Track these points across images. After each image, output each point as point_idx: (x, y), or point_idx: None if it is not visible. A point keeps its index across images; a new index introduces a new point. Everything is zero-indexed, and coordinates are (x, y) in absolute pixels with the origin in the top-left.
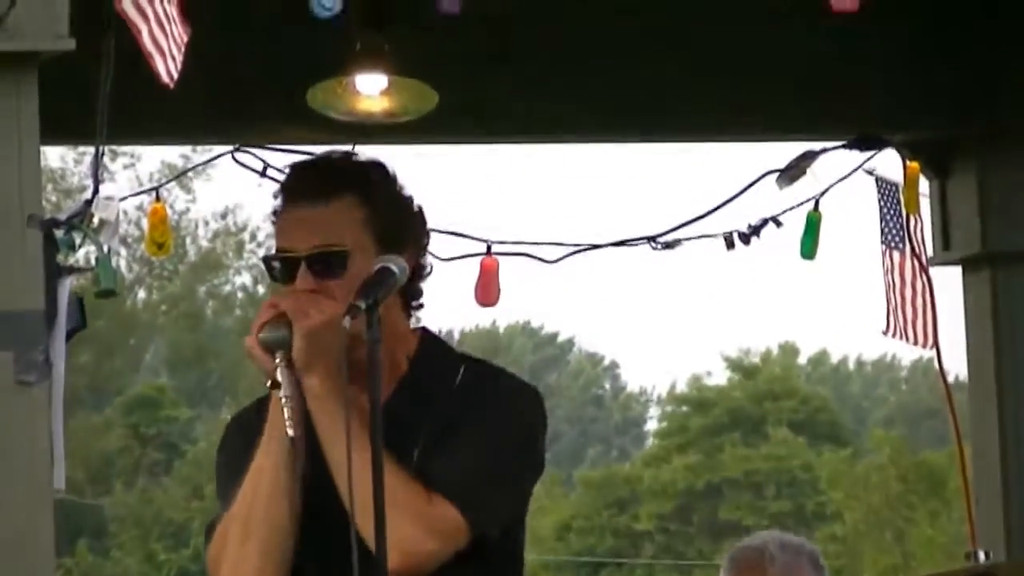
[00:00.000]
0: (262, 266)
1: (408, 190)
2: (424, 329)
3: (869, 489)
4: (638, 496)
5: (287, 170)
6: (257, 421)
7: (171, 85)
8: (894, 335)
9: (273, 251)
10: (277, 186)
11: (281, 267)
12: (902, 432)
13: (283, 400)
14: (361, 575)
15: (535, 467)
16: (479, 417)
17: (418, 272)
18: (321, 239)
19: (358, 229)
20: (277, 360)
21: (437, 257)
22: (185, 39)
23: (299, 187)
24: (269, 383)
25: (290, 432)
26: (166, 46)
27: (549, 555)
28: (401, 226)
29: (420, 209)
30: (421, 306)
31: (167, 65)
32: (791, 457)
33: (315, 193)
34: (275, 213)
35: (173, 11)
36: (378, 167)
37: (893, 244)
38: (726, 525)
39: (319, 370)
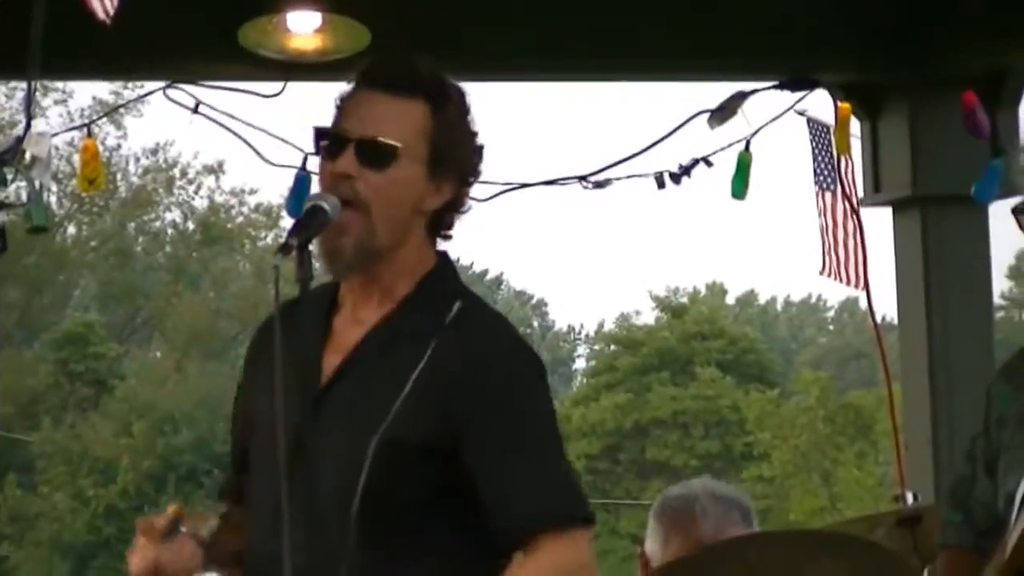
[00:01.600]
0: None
1: (476, 126)
2: (442, 254)
3: (796, 430)
4: (566, 435)
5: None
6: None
7: (108, 22)
8: (828, 275)
9: (313, 127)
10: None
11: (329, 144)
12: (829, 373)
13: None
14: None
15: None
16: (513, 413)
17: (455, 204)
18: (377, 128)
19: (417, 136)
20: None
21: None
22: None
23: (377, 74)
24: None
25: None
26: None
27: None
28: (456, 153)
29: (480, 147)
30: (449, 237)
31: (104, 2)
32: (719, 397)
33: (390, 84)
34: (340, 100)
35: None
36: (458, 91)
37: (825, 185)
38: (654, 465)
39: None
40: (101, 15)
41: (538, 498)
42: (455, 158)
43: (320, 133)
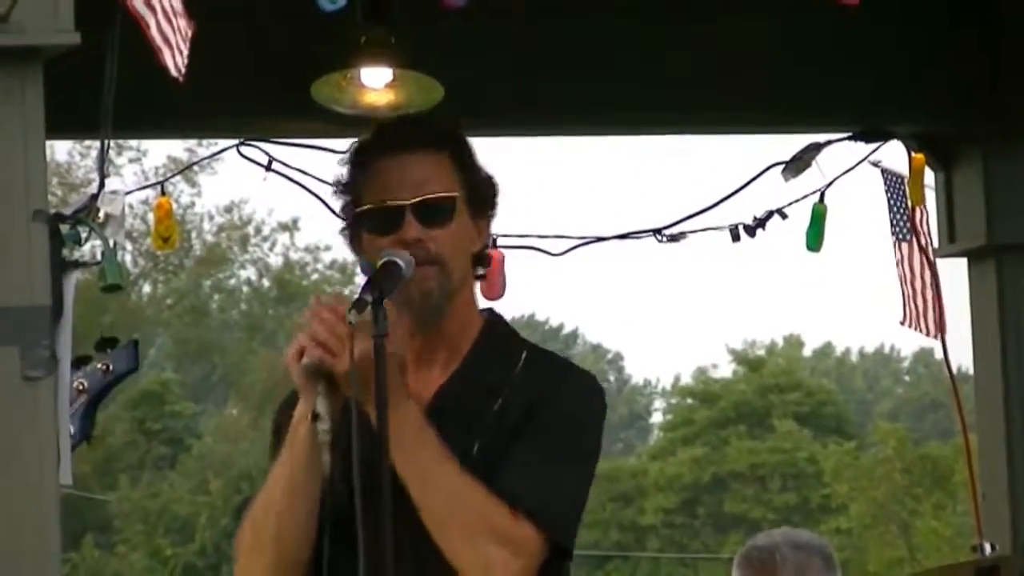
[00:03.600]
0: (345, 233)
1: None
2: (490, 311)
3: (874, 482)
4: (643, 489)
5: (355, 141)
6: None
7: (180, 78)
8: (909, 325)
9: (355, 210)
10: (350, 150)
11: (380, 220)
12: (906, 424)
13: (321, 433)
14: None
15: (595, 468)
16: (550, 418)
17: (488, 243)
18: (430, 186)
19: (455, 185)
20: (319, 390)
21: None
22: (190, 32)
23: (393, 139)
24: (310, 416)
25: (326, 470)
26: (173, 39)
27: None
28: (484, 192)
29: (494, 180)
30: (483, 277)
31: (175, 58)
32: (796, 450)
33: (415, 143)
34: (350, 177)
35: (177, 4)
36: (462, 133)
37: (901, 236)
38: (731, 518)
39: (373, 396)
40: (173, 71)
41: (529, 486)
42: (484, 197)
43: (368, 213)
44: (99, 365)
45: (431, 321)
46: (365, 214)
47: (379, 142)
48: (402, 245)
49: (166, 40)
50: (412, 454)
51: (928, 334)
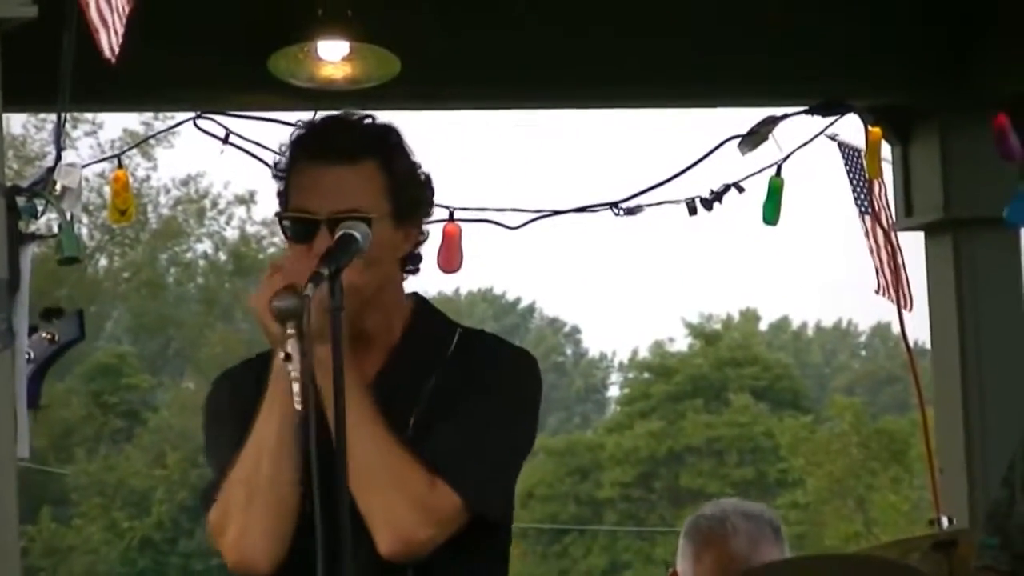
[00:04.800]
0: (278, 223)
1: (416, 156)
2: (416, 295)
3: (830, 456)
4: (600, 463)
5: (299, 127)
6: (255, 385)
7: (113, 60)
8: (882, 294)
9: (285, 207)
10: (288, 140)
11: (298, 228)
12: (862, 398)
13: (292, 374)
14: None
15: (531, 441)
16: (477, 389)
17: (422, 240)
18: (344, 203)
19: (379, 196)
20: (289, 331)
21: None
22: (127, 9)
23: (320, 145)
24: (282, 355)
25: (298, 407)
26: (110, 19)
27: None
28: (416, 195)
29: (428, 177)
30: (417, 271)
31: (110, 39)
32: (752, 424)
33: (337, 154)
34: (284, 169)
35: None
36: (394, 132)
37: (864, 208)
38: (688, 492)
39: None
40: (107, 53)
41: (447, 454)
42: (416, 199)
43: (287, 218)
44: (44, 335)
45: (354, 319)
46: (284, 218)
47: (307, 145)
48: (315, 257)
49: (103, 20)
50: (348, 413)
51: (904, 305)
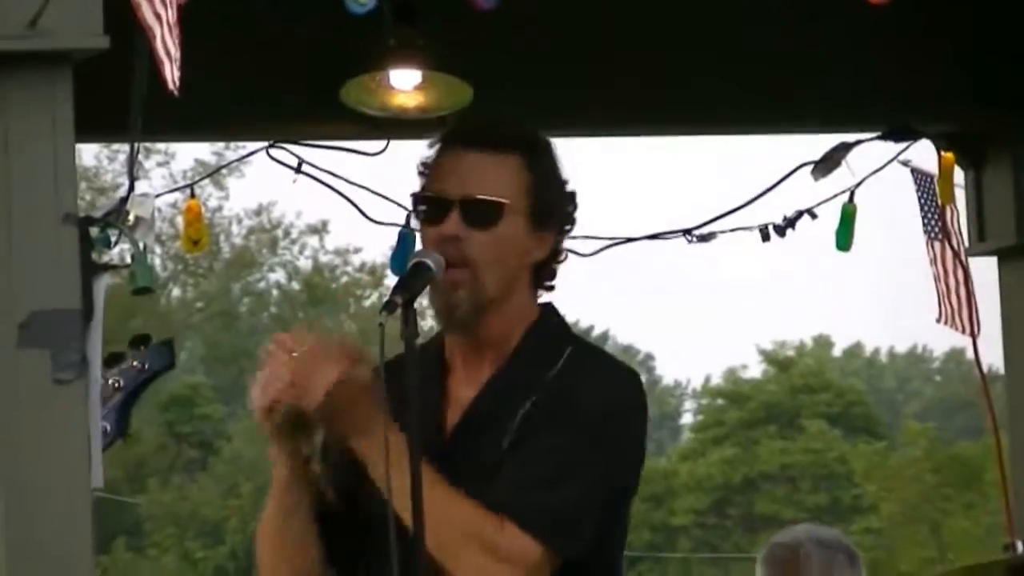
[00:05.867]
0: (410, 206)
1: (566, 174)
2: (546, 306)
3: (904, 481)
4: (674, 490)
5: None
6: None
7: (176, 93)
8: (945, 323)
9: (412, 194)
10: (440, 135)
11: (429, 208)
12: (936, 424)
13: (321, 470)
14: None
15: (634, 463)
16: (564, 422)
17: (555, 255)
18: (480, 187)
19: (517, 190)
20: (302, 435)
21: None
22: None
23: (466, 133)
24: (304, 459)
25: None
26: (174, 53)
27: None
28: (554, 204)
29: (573, 194)
30: (552, 288)
31: (172, 72)
32: (826, 450)
33: (483, 141)
34: (428, 162)
35: (173, 15)
36: (547, 142)
37: (933, 235)
38: (762, 519)
39: (352, 427)
40: (170, 85)
41: (515, 493)
42: (554, 209)
43: (419, 198)
44: (134, 363)
45: (468, 330)
46: (419, 199)
47: (456, 134)
48: (441, 239)
49: (168, 53)
50: (396, 479)
51: (963, 332)
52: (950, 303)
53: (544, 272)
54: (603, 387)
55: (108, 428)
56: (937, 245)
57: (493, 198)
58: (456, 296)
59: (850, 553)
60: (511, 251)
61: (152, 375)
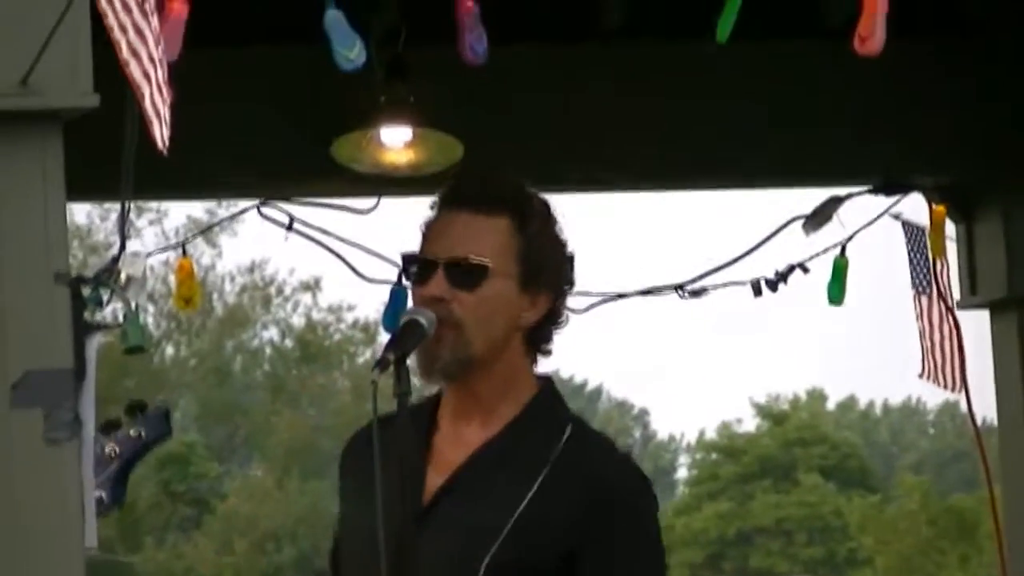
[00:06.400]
0: (400, 265)
1: (565, 235)
2: (545, 378)
3: (899, 534)
4: (669, 545)
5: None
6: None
7: (165, 152)
8: (927, 378)
9: (401, 254)
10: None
11: (419, 270)
12: (931, 476)
13: None
14: None
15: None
16: (632, 539)
17: (550, 317)
18: (465, 248)
19: (505, 253)
20: None
21: None
22: (169, 100)
23: (458, 194)
24: None
25: None
26: (163, 112)
27: None
28: (546, 265)
29: (571, 256)
30: (549, 352)
31: (162, 131)
32: (821, 503)
33: (473, 203)
34: (428, 222)
35: (164, 75)
36: (542, 202)
37: (921, 288)
38: (758, 573)
39: None
40: (160, 145)
41: None
42: (546, 270)
43: (407, 259)
44: (131, 432)
45: (451, 383)
46: (408, 260)
47: (447, 193)
48: (428, 300)
49: (157, 112)
50: None
51: (947, 387)
52: (933, 358)
53: (539, 335)
54: (643, 492)
55: (104, 497)
56: (924, 299)
57: (477, 260)
58: (437, 350)
59: None
60: (498, 312)
61: (149, 444)
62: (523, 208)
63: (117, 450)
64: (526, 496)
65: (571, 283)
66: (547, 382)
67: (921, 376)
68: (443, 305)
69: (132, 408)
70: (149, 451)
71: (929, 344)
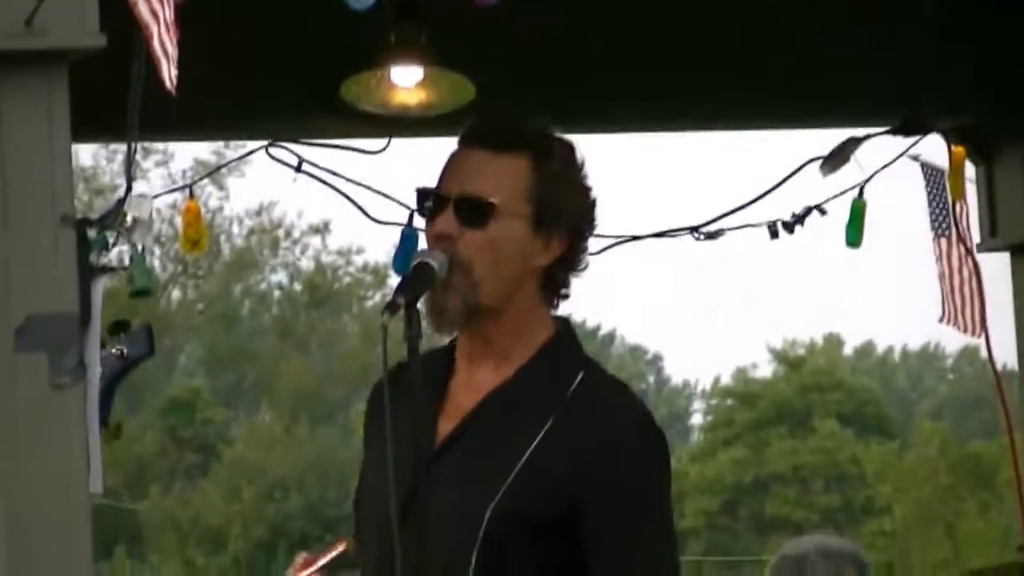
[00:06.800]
0: (414, 202)
1: (587, 180)
2: (562, 320)
3: (917, 482)
4: (684, 492)
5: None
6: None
7: (174, 92)
8: (948, 322)
9: (416, 188)
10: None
11: (431, 205)
12: (950, 423)
13: None
14: None
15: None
16: (639, 504)
17: (566, 262)
18: (476, 186)
19: (517, 192)
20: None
21: None
22: (176, 39)
23: (477, 131)
24: None
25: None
26: (172, 51)
27: None
28: (563, 208)
29: (592, 201)
30: (566, 296)
31: (170, 71)
32: (838, 450)
33: (489, 140)
34: (447, 160)
35: (171, 14)
36: (565, 145)
37: (941, 231)
38: (773, 520)
39: None
40: (168, 84)
41: None
42: (562, 213)
43: (421, 193)
44: (113, 350)
45: (463, 331)
46: (422, 194)
47: (468, 131)
48: (437, 236)
49: (164, 51)
50: None
51: (968, 331)
52: (954, 301)
53: (555, 280)
54: (651, 451)
55: None
56: (944, 242)
57: (484, 197)
58: (445, 298)
59: (858, 563)
60: (508, 254)
61: (132, 362)
62: (542, 149)
63: (100, 370)
64: (531, 444)
65: (591, 228)
66: (564, 324)
67: (942, 320)
68: (451, 243)
69: (115, 327)
70: (131, 370)
71: (949, 287)
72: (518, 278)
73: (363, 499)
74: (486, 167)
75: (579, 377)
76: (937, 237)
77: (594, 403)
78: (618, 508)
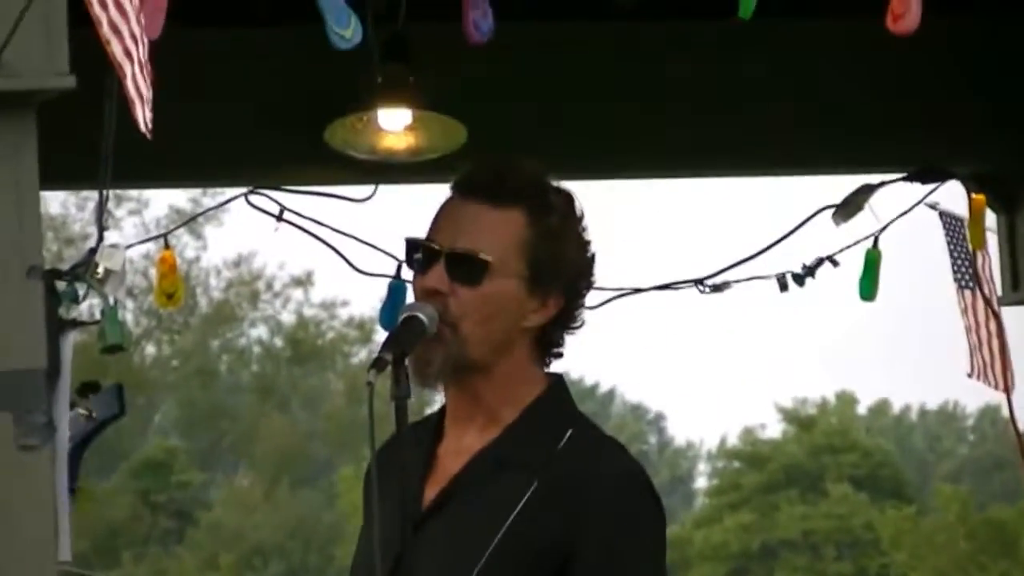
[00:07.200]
0: (403, 251)
1: (586, 233)
2: (556, 377)
3: (936, 549)
4: (688, 560)
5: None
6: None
7: (149, 135)
8: (978, 377)
9: (405, 238)
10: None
11: (421, 257)
12: (969, 486)
13: None
14: None
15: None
16: (623, 561)
17: (562, 319)
18: (469, 242)
19: (512, 249)
20: None
21: None
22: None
23: (471, 180)
24: None
25: None
26: (146, 93)
27: None
28: (560, 264)
29: (591, 257)
30: (559, 355)
31: (144, 113)
32: (851, 515)
33: (484, 192)
34: (438, 210)
35: (145, 53)
36: (563, 196)
37: (964, 283)
38: None
39: None
40: (142, 127)
41: None
42: (559, 271)
43: (410, 244)
44: (82, 411)
45: (448, 388)
46: (412, 245)
47: (460, 180)
48: (427, 292)
49: (139, 93)
50: None
51: (996, 387)
52: (982, 356)
53: (549, 339)
54: (643, 507)
55: None
56: (968, 294)
57: (479, 255)
58: (431, 352)
59: None
60: (500, 312)
61: (101, 424)
62: (539, 202)
63: (68, 432)
64: (516, 507)
65: (589, 285)
66: (556, 381)
67: (971, 375)
68: (441, 299)
69: (84, 388)
70: (101, 432)
71: (976, 341)
72: (510, 337)
73: (354, 568)
74: (480, 221)
75: (567, 434)
76: (961, 289)
77: (582, 461)
78: (604, 573)
